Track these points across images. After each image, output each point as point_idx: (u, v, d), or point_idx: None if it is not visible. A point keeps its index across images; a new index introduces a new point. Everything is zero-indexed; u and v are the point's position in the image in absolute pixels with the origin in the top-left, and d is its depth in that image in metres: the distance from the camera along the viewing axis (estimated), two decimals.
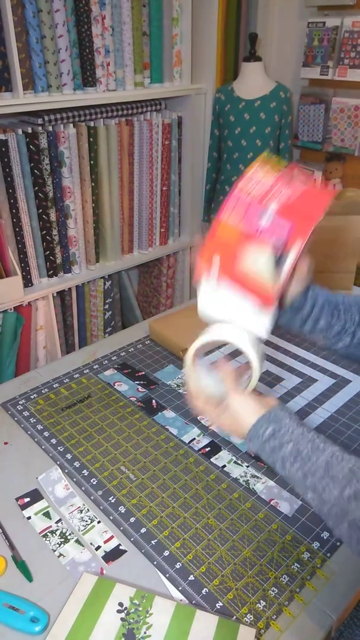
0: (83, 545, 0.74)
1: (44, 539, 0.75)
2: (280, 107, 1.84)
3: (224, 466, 0.88)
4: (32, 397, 1.05)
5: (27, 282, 1.73)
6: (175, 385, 1.08)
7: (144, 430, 0.96)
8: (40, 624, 0.63)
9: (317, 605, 0.67)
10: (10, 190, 1.57)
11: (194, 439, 0.94)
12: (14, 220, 1.61)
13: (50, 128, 1.61)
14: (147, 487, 0.84)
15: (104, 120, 1.74)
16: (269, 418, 0.61)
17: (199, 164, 2.11)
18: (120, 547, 0.74)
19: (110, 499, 0.82)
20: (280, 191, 0.61)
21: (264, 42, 2.05)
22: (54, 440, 0.93)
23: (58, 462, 0.88)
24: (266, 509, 0.80)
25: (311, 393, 1.06)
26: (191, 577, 0.71)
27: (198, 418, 0.98)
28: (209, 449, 0.92)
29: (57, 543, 0.75)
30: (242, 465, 0.88)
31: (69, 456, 0.90)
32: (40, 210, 1.67)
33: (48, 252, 1.74)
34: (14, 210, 1.60)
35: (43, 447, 0.92)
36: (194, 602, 0.68)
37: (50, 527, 0.77)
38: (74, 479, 0.85)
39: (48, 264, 1.76)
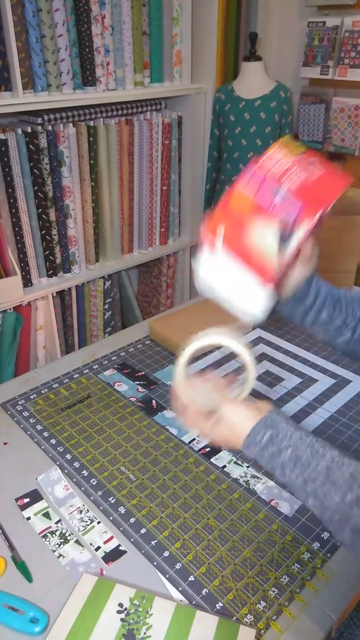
0: (83, 546, 0.74)
1: (44, 539, 0.75)
2: (280, 106, 1.84)
3: (224, 466, 0.88)
4: (31, 397, 1.04)
5: (27, 282, 1.72)
6: None
7: (144, 430, 0.96)
8: (40, 624, 0.63)
9: (317, 606, 0.67)
10: (10, 190, 1.57)
11: (194, 439, 0.94)
12: (14, 219, 1.61)
13: (49, 127, 1.60)
14: (147, 487, 0.84)
15: (104, 120, 1.74)
16: (266, 423, 0.59)
17: (199, 164, 2.11)
18: (120, 548, 0.74)
19: (110, 499, 0.82)
20: (297, 173, 0.61)
21: (264, 41, 2.04)
22: (53, 441, 0.93)
23: (58, 463, 0.88)
24: (266, 509, 0.80)
25: (311, 393, 1.06)
26: (191, 578, 0.70)
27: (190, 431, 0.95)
28: (209, 449, 0.92)
29: (57, 544, 0.74)
30: (242, 466, 0.88)
31: (68, 456, 0.90)
32: (40, 210, 1.67)
33: (48, 251, 1.74)
34: (13, 210, 1.60)
35: (43, 447, 0.92)
36: (194, 602, 0.67)
37: (50, 527, 0.77)
38: (74, 480, 0.85)
39: (48, 263, 1.76)
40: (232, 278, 0.63)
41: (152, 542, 0.75)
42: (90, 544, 0.74)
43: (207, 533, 0.76)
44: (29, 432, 0.95)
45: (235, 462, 0.89)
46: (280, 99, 1.83)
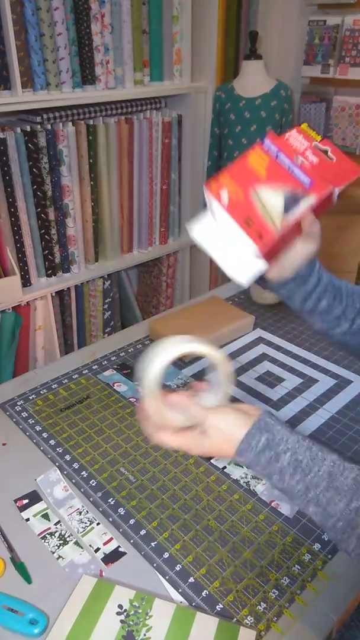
0: (82, 547, 0.74)
1: (43, 540, 0.75)
2: (281, 105, 1.83)
3: (225, 467, 0.88)
4: (30, 397, 1.04)
5: (26, 281, 1.72)
6: (176, 386, 1.08)
7: None
8: (39, 626, 0.63)
9: (318, 607, 0.67)
10: (9, 189, 1.56)
11: None
12: (13, 219, 1.61)
13: (49, 126, 1.60)
14: (147, 488, 0.83)
15: (103, 119, 1.73)
16: (260, 427, 0.56)
17: (200, 163, 2.11)
18: (120, 549, 0.74)
19: (109, 500, 0.81)
20: (311, 155, 0.62)
21: (265, 40, 2.04)
22: (52, 442, 0.93)
23: (57, 464, 0.88)
24: (267, 510, 0.80)
25: (312, 394, 1.06)
26: (191, 579, 0.70)
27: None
28: None
29: (56, 545, 0.74)
30: (242, 467, 0.88)
31: (68, 457, 0.89)
32: (39, 209, 1.66)
33: (47, 251, 1.74)
34: (12, 209, 1.59)
35: (42, 448, 0.91)
36: (194, 604, 0.67)
37: (49, 528, 0.76)
38: (73, 481, 0.85)
39: (47, 263, 1.76)
40: (226, 241, 0.62)
41: (152, 544, 0.75)
42: (90, 546, 0.74)
43: (207, 534, 0.76)
44: (28, 433, 0.95)
45: (235, 463, 0.88)
46: (280, 97, 1.82)
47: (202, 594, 0.68)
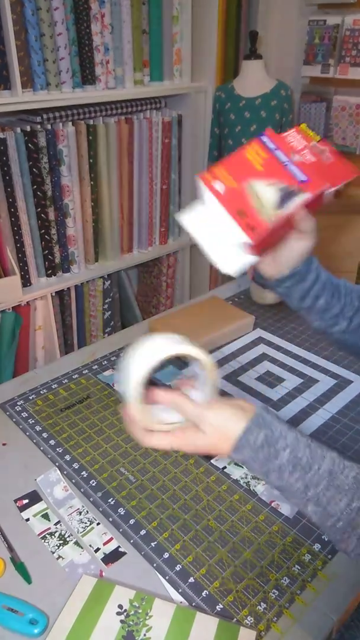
0: (82, 547, 0.74)
1: (43, 540, 0.75)
2: (281, 105, 1.83)
3: (225, 467, 0.88)
4: (30, 397, 1.04)
5: (26, 281, 1.72)
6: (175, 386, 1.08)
7: None
8: (39, 626, 0.63)
9: (318, 607, 0.67)
10: (9, 189, 1.56)
11: None
12: (12, 219, 1.61)
13: (49, 126, 1.60)
14: (147, 488, 0.83)
15: (103, 119, 1.73)
16: (258, 423, 0.53)
17: (200, 163, 2.11)
18: (120, 549, 0.74)
19: (109, 500, 0.81)
20: (309, 154, 0.63)
21: (265, 40, 2.04)
22: (52, 442, 0.93)
23: (57, 464, 0.88)
24: (267, 510, 0.80)
25: (312, 394, 1.06)
26: (191, 579, 0.70)
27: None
28: None
29: (56, 545, 0.74)
30: (242, 467, 0.88)
31: (68, 457, 0.89)
32: (39, 209, 1.66)
33: (47, 251, 1.74)
34: (12, 209, 1.59)
35: (42, 448, 0.91)
36: (194, 604, 0.67)
37: (49, 528, 0.76)
38: (73, 481, 0.85)
39: (47, 263, 1.76)
40: (216, 231, 0.62)
41: (152, 544, 0.75)
42: (90, 546, 0.74)
43: (207, 534, 0.76)
44: (27, 433, 0.95)
45: (235, 464, 0.88)
46: (280, 97, 1.82)
47: (202, 594, 0.68)
